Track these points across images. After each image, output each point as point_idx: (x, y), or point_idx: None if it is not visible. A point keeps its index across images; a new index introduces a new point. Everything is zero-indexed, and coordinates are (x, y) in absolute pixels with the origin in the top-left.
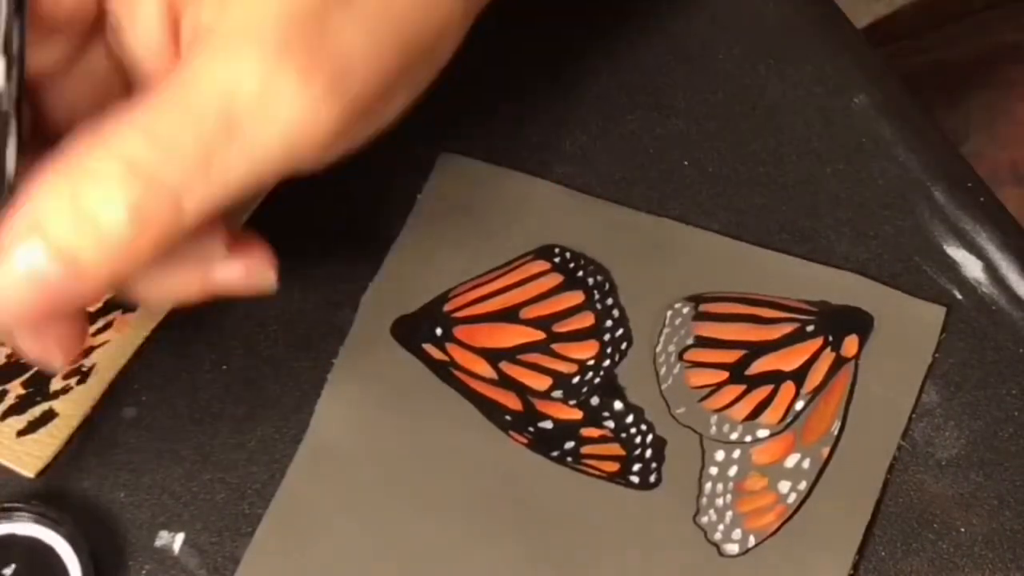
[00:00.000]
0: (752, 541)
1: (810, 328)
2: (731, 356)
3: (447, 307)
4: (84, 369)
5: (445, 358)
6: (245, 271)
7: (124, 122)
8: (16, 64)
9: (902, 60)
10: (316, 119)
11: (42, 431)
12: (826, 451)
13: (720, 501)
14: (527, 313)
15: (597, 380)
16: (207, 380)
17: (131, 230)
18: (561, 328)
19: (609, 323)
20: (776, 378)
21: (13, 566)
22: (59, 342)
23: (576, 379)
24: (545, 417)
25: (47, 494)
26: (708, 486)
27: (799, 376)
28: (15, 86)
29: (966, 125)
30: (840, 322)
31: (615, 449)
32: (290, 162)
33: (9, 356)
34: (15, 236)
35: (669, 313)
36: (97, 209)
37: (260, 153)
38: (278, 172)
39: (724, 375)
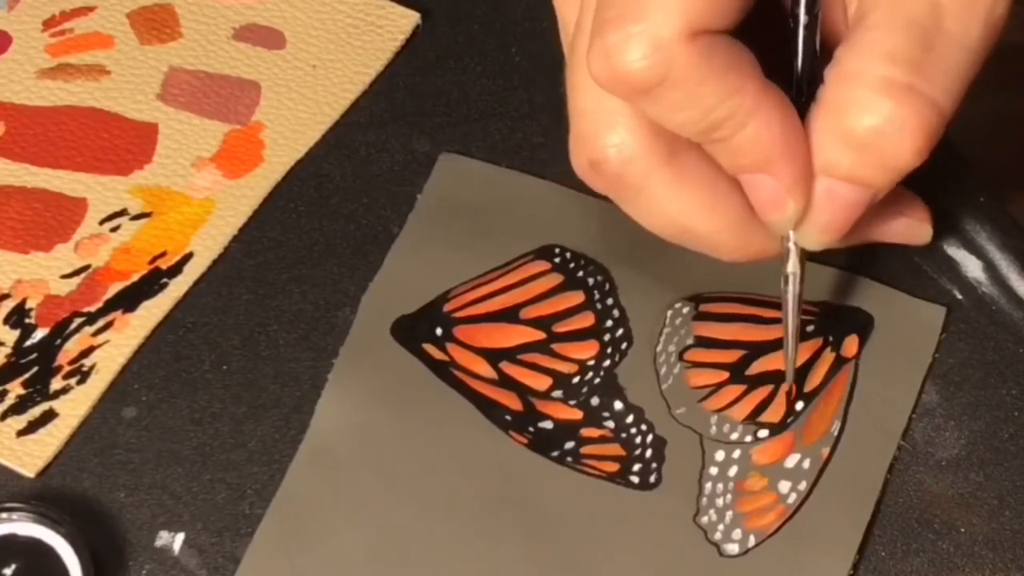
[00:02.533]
0: (752, 541)
1: (810, 328)
2: (731, 356)
3: (447, 307)
4: (84, 369)
5: (445, 358)
6: (907, 224)
7: (859, 50)
8: None
9: None
10: None
11: (42, 431)
12: (826, 451)
13: (720, 501)
14: (527, 313)
15: (597, 380)
16: (207, 380)
17: (905, 145)
18: (561, 328)
19: (609, 323)
20: (776, 378)
21: (13, 566)
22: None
23: (576, 379)
24: (545, 417)
25: (47, 494)
26: (708, 486)
27: (799, 376)
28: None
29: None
30: (840, 322)
31: (615, 449)
32: (991, 45)
33: (9, 356)
34: (812, 178)
35: (669, 313)
36: (871, 136)
37: (968, 41)
38: (983, 59)
39: (724, 375)
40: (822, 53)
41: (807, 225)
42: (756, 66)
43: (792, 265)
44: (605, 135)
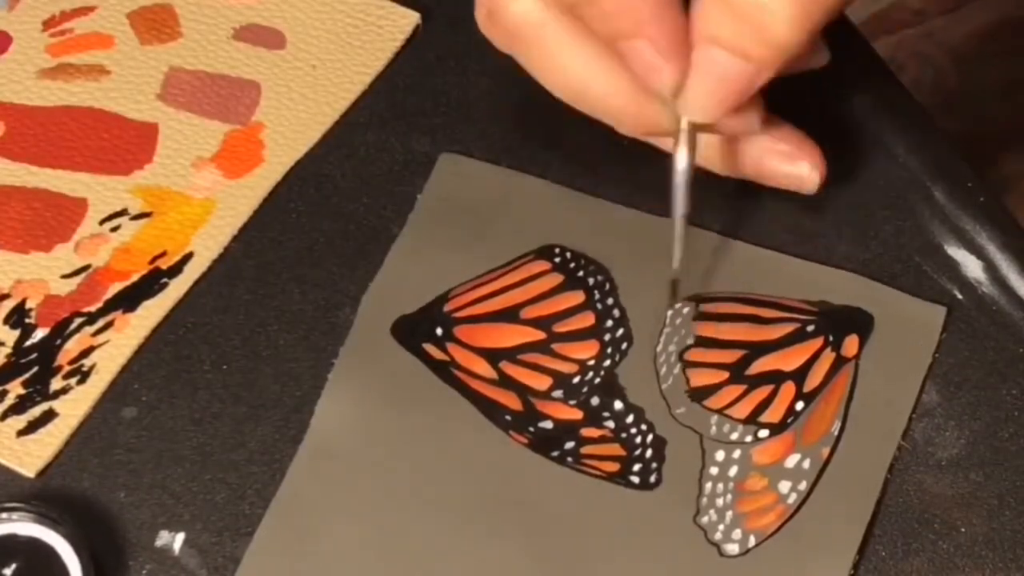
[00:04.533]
0: (752, 541)
1: (810, 328)
2: (731, 356)
3: (447, 307)
4: (84, 369)
5: (445, 358)
6: (798, 169)
7: None
8: None
9: (913, 45)
10: None
11: (42, 431)
12: (826, 451)
13: (720, 501)
14: (527, 313)
15: (597, 380)
16: (207, 380)
17: (782, 14)
18: (561, 328)
19: (609, 323)
20: (776, 378)
21: (13, 566)
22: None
23: (576, 379)
24: (545, 417)
25: (47, 494)
26: (708, 486)
27: (799, 376)
28: None
29: (983, 88)
30: (840, 322)
31: (615, 449)
32: None
33: (9, 356)
34: (697, 51)
35: (669, 313)
36: (749, 5)
37: None
38: None
39: (724, 375)
40: None
41: (691, 92)
42: None
43: (682, 157)
44: None
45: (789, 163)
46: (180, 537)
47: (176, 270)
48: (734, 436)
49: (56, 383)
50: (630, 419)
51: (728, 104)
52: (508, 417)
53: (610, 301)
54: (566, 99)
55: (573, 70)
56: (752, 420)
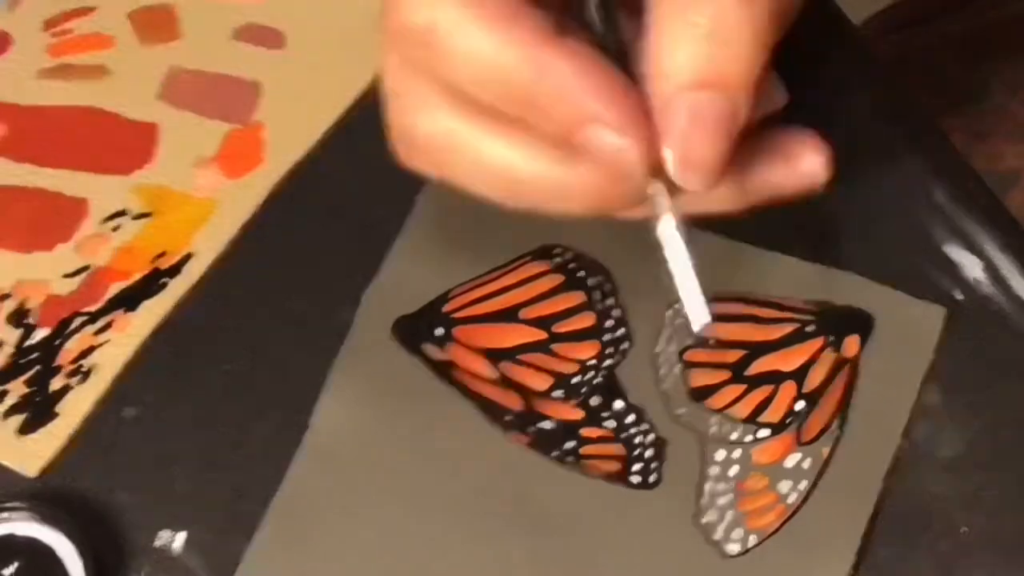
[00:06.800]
0: (753, 541)
1: (810, 328)
2: (731, 356)
3: (447, 307)
4: (84, 369)
5: (445, 358)
6: (795, 165)
7: None
8: None
9: (917, 40)
10: None
11: (42, 431)
12: (827, 451)
13: (721, 501)
14: (527, 313)
15: (597, 380)
16: (207, 380)
17: (752, 32)
18: (561, 328)
19: (609, 323)
20: (776, 378)
21: (13, 566)
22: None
23: (576, 379)
24: (545, 417)
25: (47, 494)
26: (709, 486)
27: (799, 376)
28: None
29: (988, 83)
30: (840, 322)
31: (615, 449)
32: None
33: (10, 356)
34: (672, 106)
35: (669, 313)
36: (716, 27)
37: None
38: None
39: (725, 375)
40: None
41: (682, 161)
42: (543, 19)
43: (665, 222)
44: (416, 113)
45: (794, 164)
46: (180, 537)
47: (176, 270)
48: (734, 436)
49: (57, 383)
50: (630, 419)
51: (726, 152)
52: (508, 417)
53: (610, 302)
54: (500, 197)
55: (496, 159)
56: (752, 420)
